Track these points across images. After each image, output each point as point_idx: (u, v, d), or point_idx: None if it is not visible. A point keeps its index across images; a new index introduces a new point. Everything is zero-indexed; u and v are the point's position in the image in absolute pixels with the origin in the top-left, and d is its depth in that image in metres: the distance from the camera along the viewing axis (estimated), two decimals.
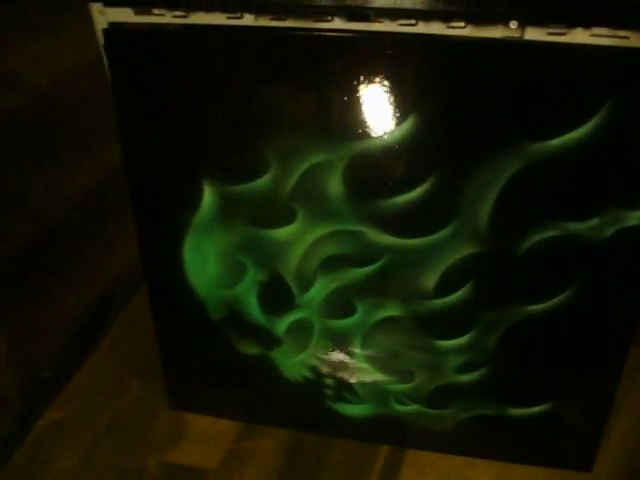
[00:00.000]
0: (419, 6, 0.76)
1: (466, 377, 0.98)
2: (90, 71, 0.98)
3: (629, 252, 0.86)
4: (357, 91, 0.81)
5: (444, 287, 0.91)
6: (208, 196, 0.92)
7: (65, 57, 1.10)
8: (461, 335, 0.95)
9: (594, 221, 0.84)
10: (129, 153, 0.93)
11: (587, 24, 0.74)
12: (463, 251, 0.88)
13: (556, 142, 0.80)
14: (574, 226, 0.84)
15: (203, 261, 0.97)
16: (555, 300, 0.90)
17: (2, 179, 1.01)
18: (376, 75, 0.80)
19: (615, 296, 0.90)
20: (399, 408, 1.04)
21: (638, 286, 0.88)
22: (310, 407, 1.07)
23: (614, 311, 0.91)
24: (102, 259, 1.28)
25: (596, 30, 0.74)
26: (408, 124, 0.82)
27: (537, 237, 0.86)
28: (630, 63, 0.75)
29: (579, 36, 0.75)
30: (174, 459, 1.07)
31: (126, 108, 0.90)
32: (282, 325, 1.00)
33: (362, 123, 0.83)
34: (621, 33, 0.74)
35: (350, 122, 0.83)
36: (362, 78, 0.80)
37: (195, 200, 0.92)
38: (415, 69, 0.81)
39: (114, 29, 0.84)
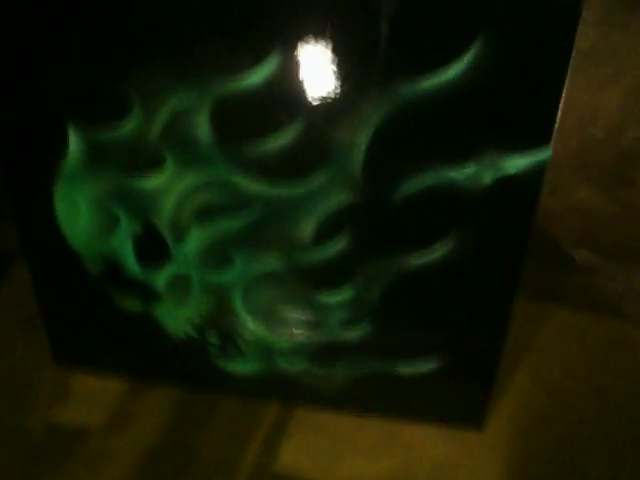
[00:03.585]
0: None
1: (351, 333, 0.95)
2: None
3: (509, 202, 0.82)
4: (218, 28, 0.76)
5: (321, 238, 0.87)
6: (74, 142, 0.86)
7: None
8: (342, 289, 0.91)
9: (471, 168, 0.79)
10: None
11: None
12: (338, 200, 0.84)
13: (427, 82, 0.75)
14: (451, 174, 0.80)
15: (75, 212, 0.92)
16: (436, 252, 0.86)
17: None
18: (237, 12, 0.75)
19: (497, 248, 0.86)
20: (286, 366, 1.00)
21: (519, 237, 0.84)
22: (196, 365, 1.03)
23: (495, 263, 0.87)
24: None
25: None
26: (272, 64, 0.76)
27: (414, 185, 0.81)
28: None
29: None
30: (58, 418, 1.03)
31: None
32: (160, 279, 0.96)
33: (225, 63, 0.78)
34: None
35: (213, 61, 0.78)
36: (221, 15, 0.75)
37: (60, 146, 0.87)
38: (278, 3, 0.75)
39: None
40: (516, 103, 0.76)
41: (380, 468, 0.98)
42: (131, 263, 0.95)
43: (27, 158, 0.91)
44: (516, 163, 0.78)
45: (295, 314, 0.95)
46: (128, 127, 0.84)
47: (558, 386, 1.07)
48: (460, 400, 1.00)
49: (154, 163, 0.86)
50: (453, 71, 0.74)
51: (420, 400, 1.01)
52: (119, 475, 0.96)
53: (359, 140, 0.80)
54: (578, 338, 1.13)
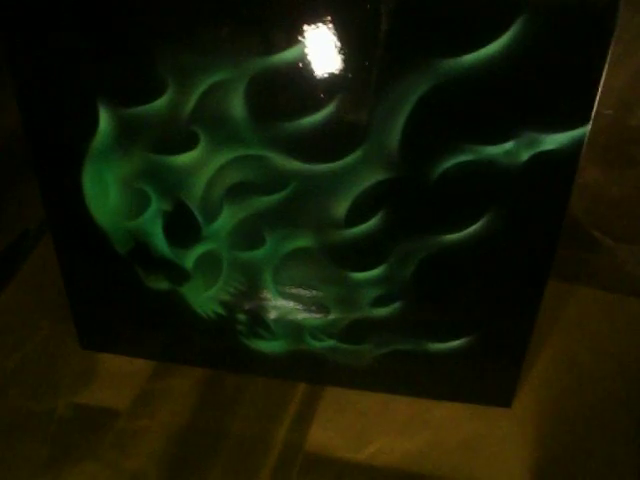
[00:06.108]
0: None
1: (382, 311, 0.95)
2: None
3: (546, 178, 0.82)
4: (253, 6, 0.75)
5: (355, 216, 0.87)
6: (104, 120, 0.85)
7: None
8: (375, 267, 0.91)
9: (509, 145, 0.79)
10: (18, 77, 0.86)
11: None
12: (373, 177, 0.83)
13: (468, 59, 0.74)
14: (489, 150, 0.80)
15: (104, 191, 0.91)
16: (470, 230, 0.86)
17: None
18: None
19: (532, 226, 0.86)
20: (315, 344, 1.00)
21: (554, 215, 0.84)
22: (224, 344, 1.03)
23: (531, 242, 0.87)
24: (15, 196, 1.21)
25: None
26: (308, 41, 0.75)
27: (450, 162, 0.81)
28: None
29: None
30: (84, 400, 1.02)
31: (11, 24, 0.82)
32: (190, 258, 0.95)
33: (261, 39, 0.77)
34: None
35: (248, 38, 0.77)
36: None
37: (91, 124, 0.85)
38: None
39: None
40: (557, 81, 0.75)
41: (410, 445, 0.98)
42: (160, 242, 0.94)
43: (56, 135, 0.89)
44: (554, 139, 0.78)
45: (326, 292, 0.94)
46: (160, 104, 0.83)
47: (584, 363, 1.07)
48: (489, 378, 1.00)
49: (186, 141, 0.85)
50: (494, 48, 0.73)
51: (449, 378, 1.02)
52: (148, 456, 0.96)
53: (397, 118, 0.79)
54: (604, 316, 1.13)
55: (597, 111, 1.05)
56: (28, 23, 0.81)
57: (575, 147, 0.78)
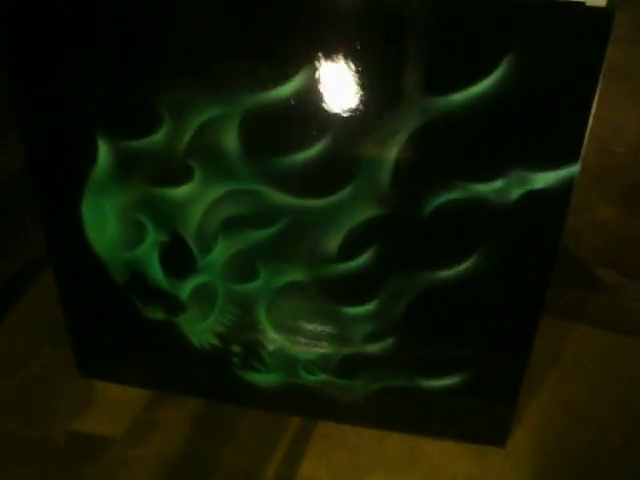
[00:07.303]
0: None
1: (374, 346, 0.94)
2: None
3: (537, 217, 0.82)
4: (247, 44, 0.77)
5: (347, 251, 0.88)
6: (103, 152, 0.87)
7: None
8: (367, 302, 0.91)
9: (499, 183, 0.80)
10: (23, 112, 0.89)
11: None
12: (365, 213, 0.84)
13: (458, 97, 0.75)
14: (479, 188, 0.80)
15: (102, 221, 0.93)
16: (462, 267, 0.86)
17: None
18: (266, 27, 0.76)
19: (523, 264, 0.86)
20: (308, 378, 1.00)
21: (546, 253, 0.84)
22: (219, 376, 1.03)
23: (523, 279, 0.87)
24: (22, 227, 1.24)
25: None
26: (301, 78, 0.77)
27: (441, 199, 0.82)
28: (533, 14, 0.71)
29: None
30: (79, 427, 1.03)
31: (17, 62, 0.85)
32: (186, 289, 0.96)
33: (254, 75, 0.79)
34: None
35: (242, 74, 0.79)
36: (252, 30, 0.77)
37: (90, 156, 0.88)
38: (308, 20, 0.76)
39: None
40: (545, 120, 0.76)
41: None
42: (156, 272, 0.96)
43: (57, 167, 0.92)
44: (544, 178, 0.79)
45: (319, 326, 0.95)
46: (157, 138, 0.85)
47: (581, 404, 1.06)
48: (483, 417, 0.99)
49: (182, 174, 0.87)
50: (483, 86, 0.74)
51: (443, 416, 1.01)
52: None
53: (388, 154, 0.80)
54: (602, 357, 1.12)
55: (611, 150, 1.05)
56: (34, 59, 0.85)
57: (565, 186, 0.79)
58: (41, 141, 0.90)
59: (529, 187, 0.79)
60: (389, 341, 0.94)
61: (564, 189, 0.79)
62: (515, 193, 0.80)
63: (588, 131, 0.75)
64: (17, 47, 0.84)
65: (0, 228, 1.26)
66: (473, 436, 1.00)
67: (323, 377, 0.99)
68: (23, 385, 1.09)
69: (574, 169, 0.77)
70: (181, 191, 0.88)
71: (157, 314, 1.00)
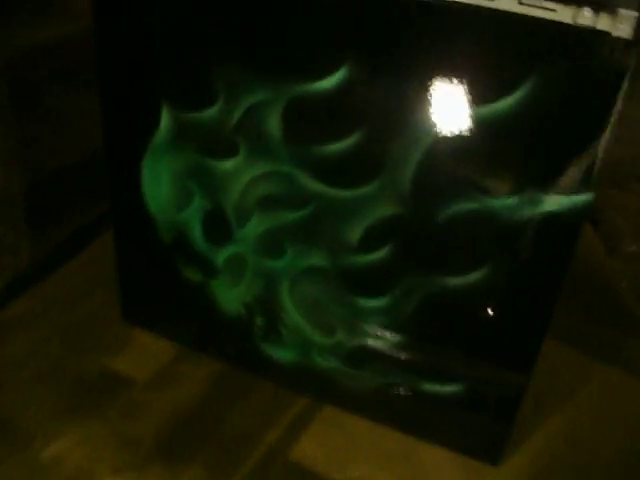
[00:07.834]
0: None
1: (382, 340, 0.99)
2: None
3: (548, 239, 0.84)
4: (298, 33, 0.85)
5: (366, 244, 0.93)
6: (165, 119, 0.97)
7: None
8: (380, 295, 0.95)
9: (513, 200, 0.82)
10: (103, 74, 1.00)
11: None
12: (385, 210, 0.89)
13: (484, 110, 0.79)
14: (493, 202, 0.83)
15: (157, 182, 1.03)
16: (471, 276, 0.89)
17: None
18: (320, 21, 0.83)
19: (530, 282, 0.88)
20: (321, 362, 1.05)
21: (554, 275, 0.85)
22: (241, 343, 1.11)
23: (528, 298, 0.89)
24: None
25: None
26: (343, 72, 0.83)
27: (457, 207, 0.85)
28: (555, 38, 0.73)
29: (506, 3, 0.74)
30: (110, 367, 1.13)
31: (104, 31, 0.97)
32: (221, 256, 1.04)
33: (301, 64, 0.86)
34: (549, 5, 0.73)
35: (291, 62, 0.87)
36: (304, 22, 0.84)
37: (154, 121, 0.98)
38: (354, 21, 0.82)
39: None
40: (560, 145, 0.78)
41: (388, 478, 1.00)
42: (198, 237, 1.04)
43: (126, 128, 1.03)
44: (557, 201, 0.80)
45: (334, 312, 1.00)
46: (211, 113, 0.93)
47: (585, 441, 1.04)
48: (479, 431, 1.01)
49: (229, 149, 0.95)
50: (506, 103, 0.77)
51: (440, 423, 1.03)
52: (147, 429, 1.05)
53: (411, 156, 0.84)
54: (620, 400, 1.10)
55: None
56: (115, 40, 0.97)
57: (578, 212, 0.80)
58: (116, 104, 1.02)
59: (542, 209, 0.81)
60: (396, 337, 0.98)
61: (577, 215, 0.80)
62: (528, 212, 0.82)
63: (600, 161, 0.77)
64: (105, 18, 0.95)
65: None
66: (467, 449, 1.02)
67: (334, 364, 1.04)
68: (74, 319, 1.21)
69: (587, 198, 0.79)
70: (227, 165, 0.96)
71: (195, 275, 1.08)
